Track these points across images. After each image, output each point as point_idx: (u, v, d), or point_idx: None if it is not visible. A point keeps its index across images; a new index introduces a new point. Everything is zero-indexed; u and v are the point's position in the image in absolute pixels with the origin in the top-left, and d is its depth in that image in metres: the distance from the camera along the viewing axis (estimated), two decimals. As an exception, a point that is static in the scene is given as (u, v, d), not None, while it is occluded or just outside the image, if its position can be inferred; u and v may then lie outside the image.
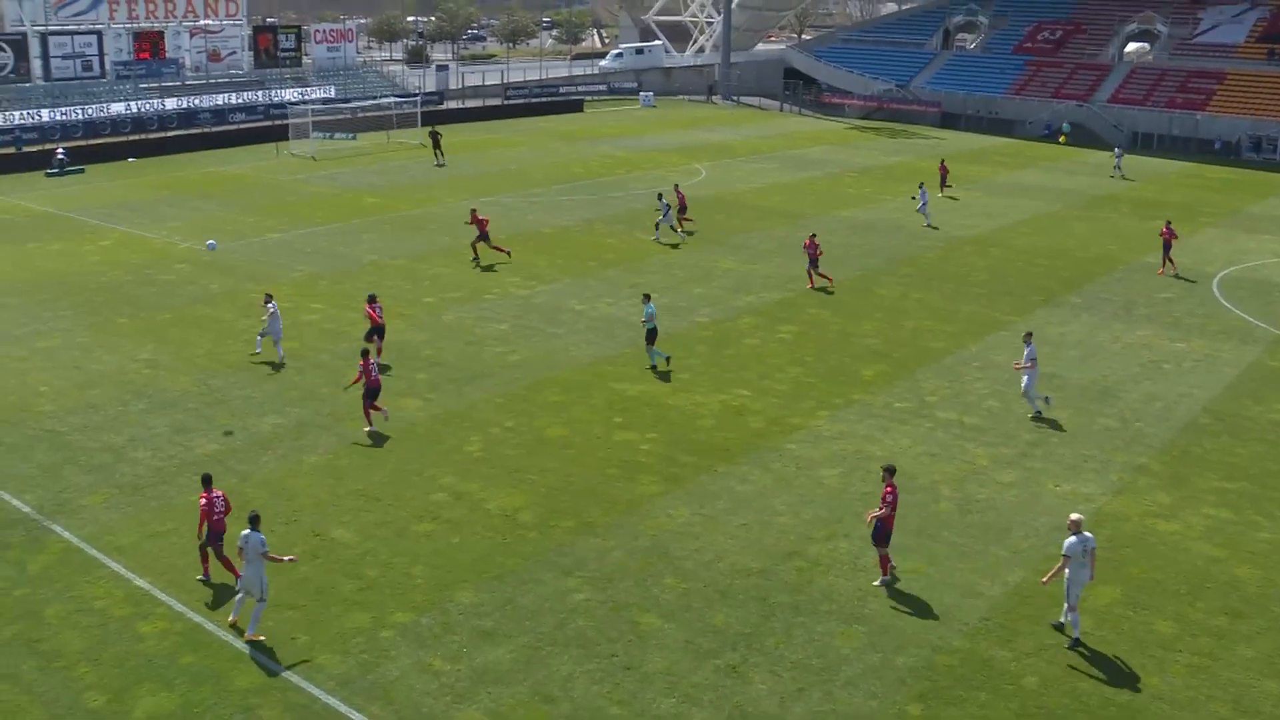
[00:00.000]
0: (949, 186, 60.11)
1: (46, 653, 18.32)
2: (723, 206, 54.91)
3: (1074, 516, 18.85)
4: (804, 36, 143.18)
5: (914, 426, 27.82)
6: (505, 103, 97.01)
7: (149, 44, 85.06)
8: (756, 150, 75.00)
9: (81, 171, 64.66)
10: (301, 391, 29.56)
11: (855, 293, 39.87)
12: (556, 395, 29.47)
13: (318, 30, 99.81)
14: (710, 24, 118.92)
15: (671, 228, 47.99)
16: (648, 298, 31.77)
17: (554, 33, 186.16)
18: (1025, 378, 28.46)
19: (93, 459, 25.23)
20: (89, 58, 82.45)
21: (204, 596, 19.87)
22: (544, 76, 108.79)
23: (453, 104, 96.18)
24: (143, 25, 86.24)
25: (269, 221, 50.77)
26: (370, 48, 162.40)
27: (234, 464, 25.12)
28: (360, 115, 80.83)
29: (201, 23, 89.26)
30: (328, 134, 75.10)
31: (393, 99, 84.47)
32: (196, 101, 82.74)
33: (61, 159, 64.78)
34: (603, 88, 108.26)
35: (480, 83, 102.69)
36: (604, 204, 55.43)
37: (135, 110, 79.22)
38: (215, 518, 19.98)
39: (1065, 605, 19.10)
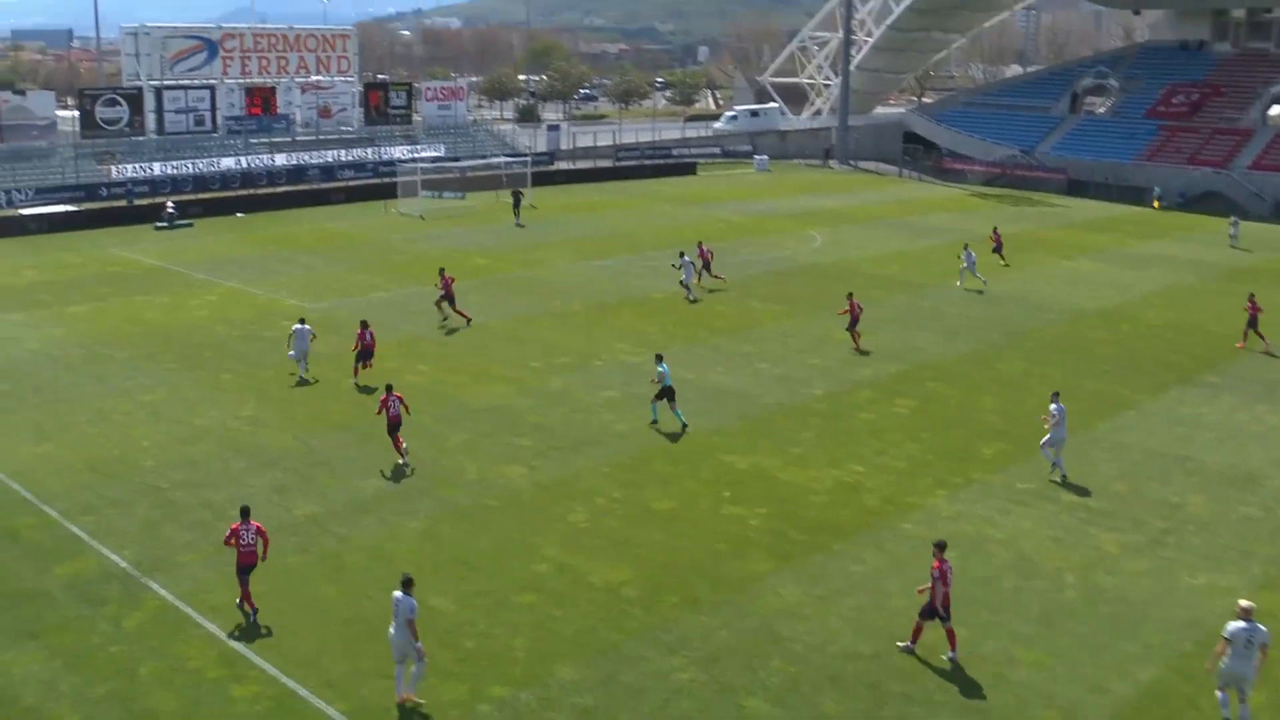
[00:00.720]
0: (1002, 261, 58.41)
1: (139, 712, 18.48)
2: (838, 275, 54.67)
3: (1243, 604, 18.11)
4: (924, 99, 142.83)
5: (1037, 509, 27.12)
6: (616, 164, 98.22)
7: (260, 99, 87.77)
8: (873, 217, 74.65)
9: (190, 225, 66.55)
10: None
11: (975, 367, 39.23)
12: (665, 466, 29.29)
13: (428, 88, 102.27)
14: (828, 86, 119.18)
15: (684, 284, 48.87)
16: (660, 358, 32.57)
17: (667, 94, 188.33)
18: (1050, 433, 28.78)
19: (192, 516, 25.61)
20: (201, 112, 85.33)
21: (298, 660, 19.90)
22: (656, 138, 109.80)
23: (563, 164, 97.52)
24: (255, 81, 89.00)
25: (375, 280, 51.67)
26: (481, 106, 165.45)
27: (334, 526, 25.34)
28: (470, 174, 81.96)
29: (313, 79, 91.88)
30: (436, 193, 76.42)
31: (503, 158, 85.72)
32: (306, 158, 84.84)
33: (171, 213, 66.70)
34: (716, 150, 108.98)
35: (592, 143, 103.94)
36: (749, 266, 55.66)
37: (245, 165, 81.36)
38: (244, 549, 20.92)
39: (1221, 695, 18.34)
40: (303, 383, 35.82)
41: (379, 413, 29.11)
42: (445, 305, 43.95)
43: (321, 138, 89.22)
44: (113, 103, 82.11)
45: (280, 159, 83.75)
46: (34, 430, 31.30)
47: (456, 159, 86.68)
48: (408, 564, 23.51)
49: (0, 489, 27.28)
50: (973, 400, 35.55)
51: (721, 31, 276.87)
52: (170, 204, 67.87)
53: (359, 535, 24.96)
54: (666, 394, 32.15)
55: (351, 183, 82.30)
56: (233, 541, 21.20)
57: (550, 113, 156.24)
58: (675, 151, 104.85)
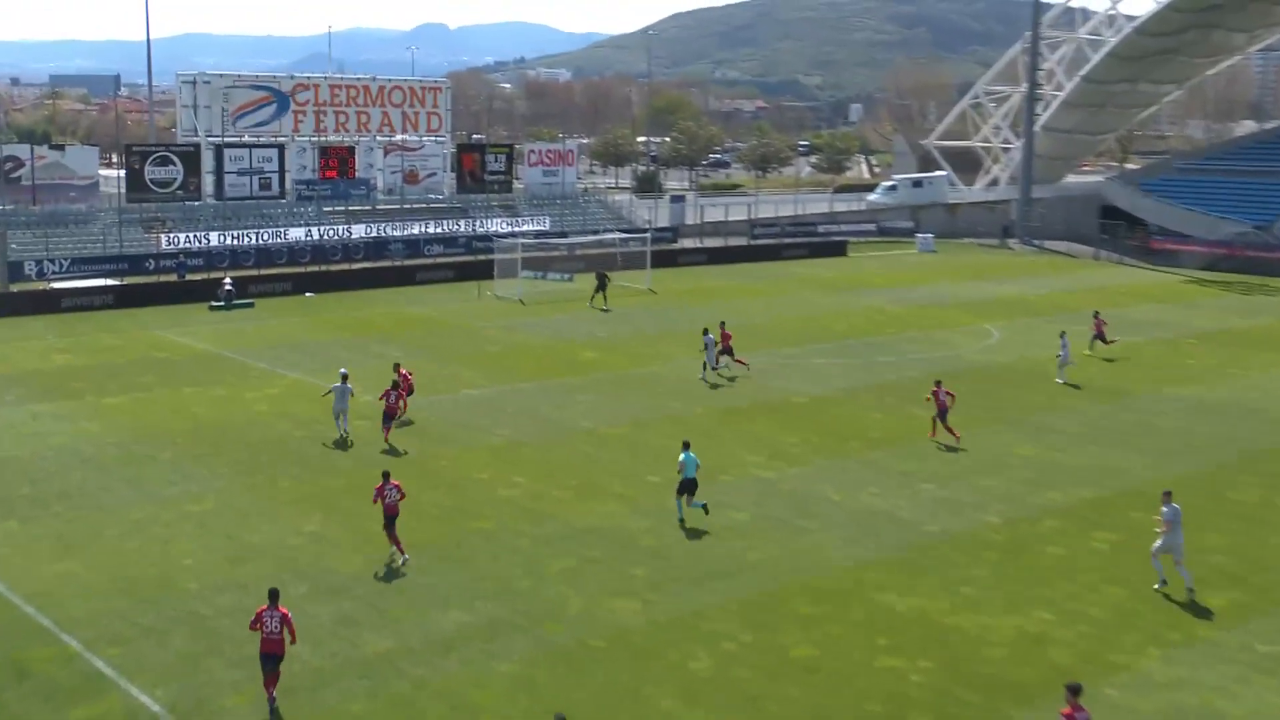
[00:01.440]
0: (1111, 342, 59.08)
1: None
2: (1019, 378, 54.19)
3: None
4: (1128, 165, 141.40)
5: None
6: (752, 243, 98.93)
7: (336, 161, 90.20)
8: (1063, 307, 74.09)
9: (251, 306, 68.23)
10: (495, 583, 29.74)
11: (1197, 494, 37.97)
12: (806, 606, 28.87)
13: (532, 150, 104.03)
14: (1007, 150, 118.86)
15: (711, 367, 52.18)
16: (687, 445, 34.35)
17: (812, 159, 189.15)
18: (1160, 539, 30.26)
19: (240, 650, 25.44)
20: (268, 174, 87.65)
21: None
22: (799, 212, 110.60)
23: (688, 241, 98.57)
24: (331, 140, 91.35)
25: (466, 374, 52.31)
26: (592, 172, 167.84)
27: (408, 666, 25.21)
28: (578, 253, 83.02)
29: (398, 138, 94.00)
30: (539, 273, 77.51)
31: (617, 235, 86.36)
32: (388, 229, 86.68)
33: (229, 290, 68.29)
34: (871, 227, 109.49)
35: (723, 217, 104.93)
36: (870, 370, 55.33)
37: (316, 237, 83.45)
38: (269, 635, 23.06)
39: None
40: (339, 444, 40.04)
41: (375, 501, 30.69)
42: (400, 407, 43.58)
43: (407, 206, 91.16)
44: (165, 161, 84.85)
45: (358, 230, 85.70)
46: (57, 544, 31.67)
47: (563, 234, 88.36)
48: (496, 716, 23.26)
49: (12, 614, 27.37)
50: (1194, 537, 34.21)
51: (878, 86, 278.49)
52: (228, 280, 69.44)
53: (438, 679, 24.77)
54: (688, 488, 33.79)
55: (440, 259, 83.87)
56: (257, 627, 23.32)
57: (674, 181, 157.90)
58: (822, 228, 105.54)
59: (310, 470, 38.21)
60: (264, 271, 76.62)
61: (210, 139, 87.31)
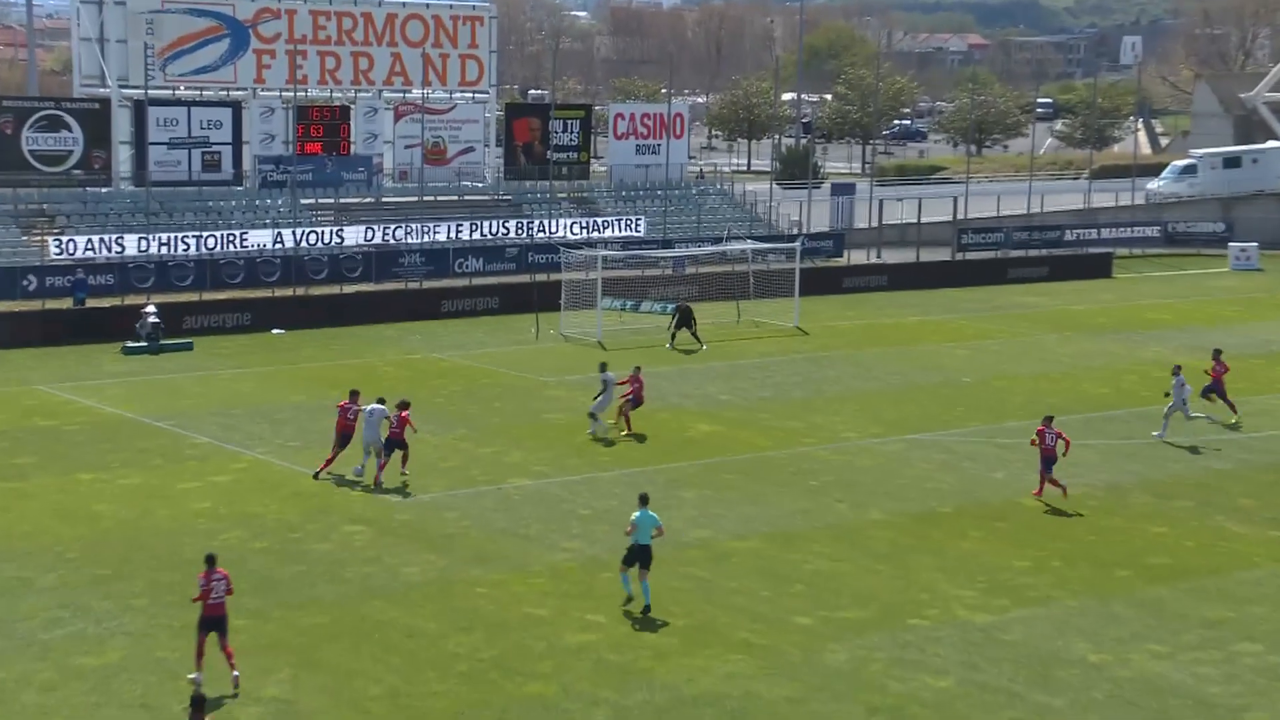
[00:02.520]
0: (1220, 399, 60.39)
1: None
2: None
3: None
4: None
5: None
6: (959, 257, 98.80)
7: (322, 129, 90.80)
8: None
9: (188, 348, 68.63)
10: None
11: None
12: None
13: (620, 115, 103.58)
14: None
15: (593, 415, 56.11)
16: (645, 500, 38.09)
17: (1058, 126, 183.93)
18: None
19: None
20: (215, 148, 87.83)
21: None
22: (1035, 209, 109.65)
23: (859, 255, 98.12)
24: (314, 96, 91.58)
25: (515, 456, 52.47)
26: (713, 147, 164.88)
27: None
28: (688, 271, 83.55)
29: (416, 95, 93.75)
30: (625, 303, 77.99)
31: (749, 244, 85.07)
32: (399, 234, 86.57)
33: (154, 324, 68.62)
34: (1153, 232, 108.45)
35: (913, 218, 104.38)
36: (1147, 458, 55.03)
37: (290, 244, 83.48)
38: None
39: None
40: (350, 482, 45.75)
41: (195, 599, 32.90)
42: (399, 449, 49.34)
43: (429, 199, 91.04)
44: (53, 125, 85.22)
45: (354, 234, 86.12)
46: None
47: (667, 243, 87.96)
48: None
49: None
50: None
51: (1167, 5, 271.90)
52: (152, 309, 69.53)
53: None
54: (639, 557, 37.40)
55: (479, 279, 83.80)
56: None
57: (837, 162, 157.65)
58: (1070, 234, 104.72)
59: (278, 601, 37.98)
60: (209, 296, 76.82)
61: (126, 91, 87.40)
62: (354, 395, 49.20)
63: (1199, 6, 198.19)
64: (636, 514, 37.58)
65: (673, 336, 72.42)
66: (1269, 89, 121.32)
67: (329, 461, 48.65)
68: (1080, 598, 40.24)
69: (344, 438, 48.55)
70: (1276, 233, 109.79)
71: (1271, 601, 40.57)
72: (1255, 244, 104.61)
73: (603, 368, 57.08)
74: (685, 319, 72.28)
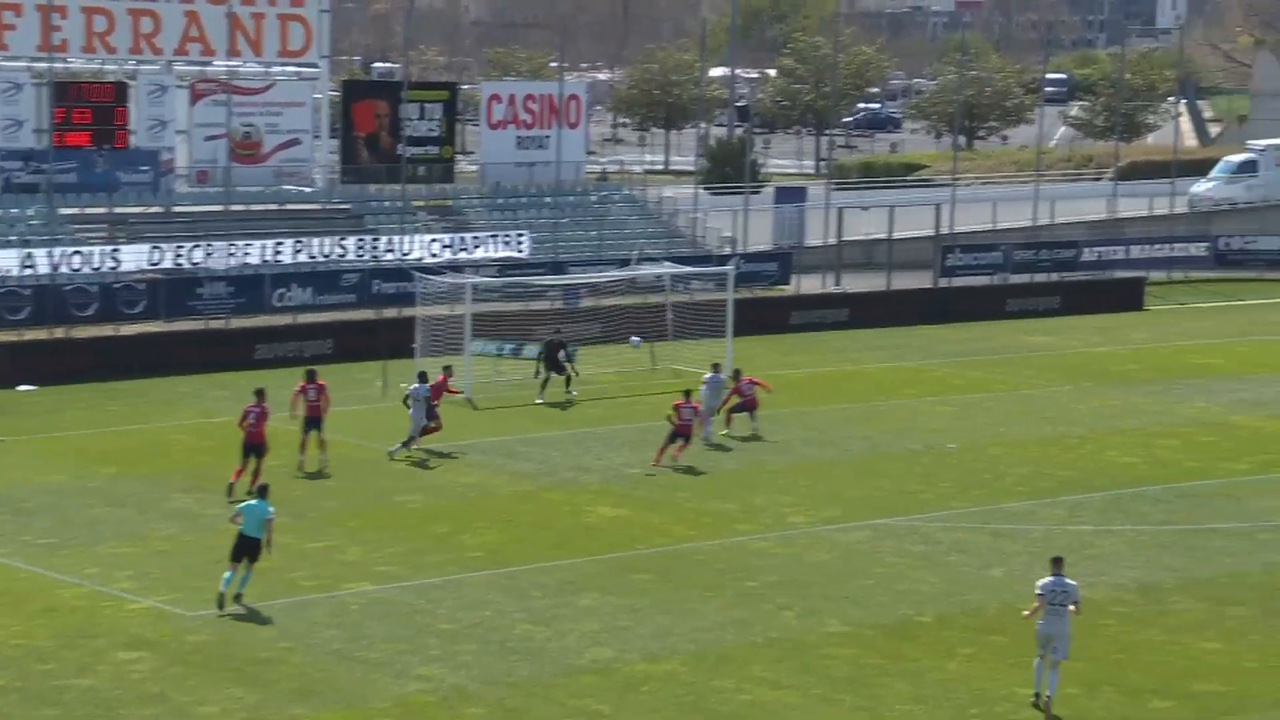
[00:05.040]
0: None
1: None
2: None
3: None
4: None
5: None
6: (941, 284, 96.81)
7: (90, 113, 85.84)
8: None
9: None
10: None
11: None
12: None
13: (495, 97, 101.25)
14: None
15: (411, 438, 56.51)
16: (264, 491, 40.74)
17: (1073, 111, 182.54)
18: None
19: None
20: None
21: None
22: (1042, 220, 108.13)
23: (812, 281, 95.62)
24: (77, 69, 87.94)
25: (352, 552, 48.56)
26: (617, 139, 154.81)
27: None
28: (584, 305, 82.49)
29: (220, 67, 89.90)
30: (505, 346, 75.16)
31: (667, 268, 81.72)
32: (195, 254, 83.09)
33: None
34: (1198, 249, 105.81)
35: (881, 233, 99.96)
36: (1196, 551, 50.69)
37: (44, 268, 78.93)
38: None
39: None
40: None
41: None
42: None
43: (237, 209, 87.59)
44: None
45: (133, 256, 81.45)
46: None
47: (558, 266, 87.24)
48: None
49: None
50: None
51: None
52: None
53: None
54: (247, 550, 39.69)
55: (305, 317, 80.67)
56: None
57: (782, 159, 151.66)
58: (1091, 253, 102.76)
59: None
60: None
61: None
62: (260, 394, 51.63)
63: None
64: (249, 503, 40.39)
65: (543, 386, 68.10)
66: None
67: (239, 474, 50.23)
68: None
69: (251, 447, 50.53)
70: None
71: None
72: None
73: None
74: (552, 358, 67.52)
